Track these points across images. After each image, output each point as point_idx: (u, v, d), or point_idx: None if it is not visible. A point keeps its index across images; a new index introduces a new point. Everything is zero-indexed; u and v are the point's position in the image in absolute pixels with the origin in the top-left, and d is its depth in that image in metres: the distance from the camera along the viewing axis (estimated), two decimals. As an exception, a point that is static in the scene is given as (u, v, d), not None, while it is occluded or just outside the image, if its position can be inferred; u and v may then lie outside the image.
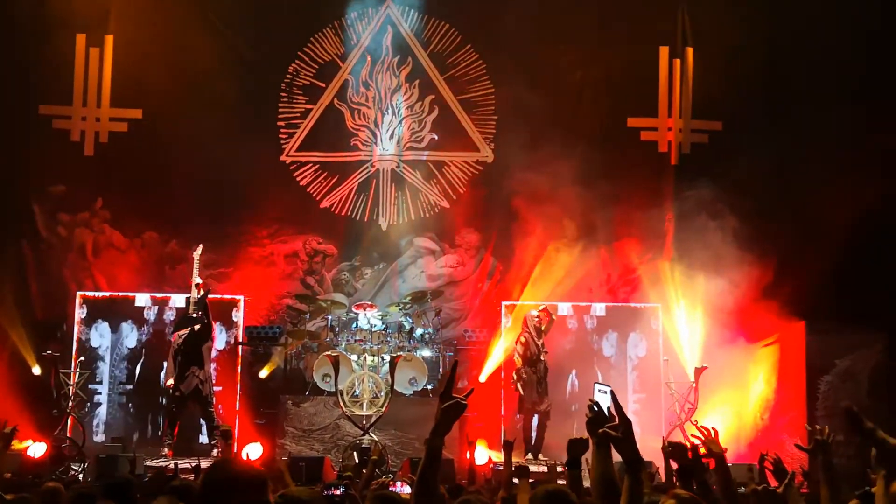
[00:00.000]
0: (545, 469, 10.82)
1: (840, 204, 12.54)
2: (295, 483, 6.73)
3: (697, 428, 5.46)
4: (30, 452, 11.32)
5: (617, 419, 3.40)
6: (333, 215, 15.23)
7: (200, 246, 12.62)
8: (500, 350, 13.67)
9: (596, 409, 3.58)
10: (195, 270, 12.31)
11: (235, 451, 11.39)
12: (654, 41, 15.16)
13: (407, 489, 8.59)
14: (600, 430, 3.38)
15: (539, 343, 12.60)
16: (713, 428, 4.96)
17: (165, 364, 12.45)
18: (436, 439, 3.19)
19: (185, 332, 12.01)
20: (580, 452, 4.20)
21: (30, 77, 14.56)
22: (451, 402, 3.19)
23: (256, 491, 2.90)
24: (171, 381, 11.99)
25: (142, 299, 14.00)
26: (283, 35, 15.35)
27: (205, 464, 9.73)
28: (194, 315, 11.98)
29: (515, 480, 6.35)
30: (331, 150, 15.33)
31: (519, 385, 12.66)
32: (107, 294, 14.17)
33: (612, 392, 3.57)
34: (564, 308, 13.91)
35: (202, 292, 12.09)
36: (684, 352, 13.52)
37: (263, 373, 13.79)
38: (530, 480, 6.52)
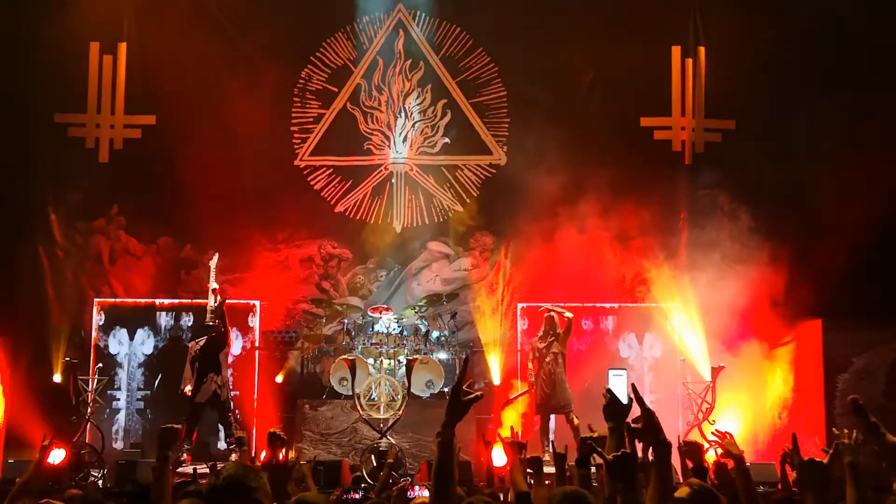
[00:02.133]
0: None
1: (854, 201, 12.52)
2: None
3: (713, 433, 5.47)
4: (49, 459, 11.32)
5: (638, 408, 3.40)
6: (348, 219, 15.25)
7: (216, 255, 12.61)
8: (515, 352, 13.72)
9: (611, 395, 3.59)
10: (211, 277, 12.34)
11: (253, 456, 11.38)
12: (666, 41, 15.13)
13: (425, 493, 8.61)
14: (626, 429, 3.39)
15: (541, 346, 12.46)
16: (727, 431, 4.98)
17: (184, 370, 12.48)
18: (447, 431, 3.20)
19: (202, 339, 12.07)
20: (590, 452, 4.20)
21: (45, 86, 14.65)
22: (464, 396, 3.22)
23: (263, 491, 3.10)
24: (188, 388, 12.03)
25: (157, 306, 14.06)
26: (295, 40, 15.39)
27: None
28: (211, 323, 12.02)
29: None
30: (344, 154, 15.36)
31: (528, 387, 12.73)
32: (124, 300, 14.23)
33: (633, 386, 3.58)
34: (578, 309, 13.87)
35: (219, 298, 12.12)
36: (700, 352, 13.47)
37: (279, 378, 13.84)
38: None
